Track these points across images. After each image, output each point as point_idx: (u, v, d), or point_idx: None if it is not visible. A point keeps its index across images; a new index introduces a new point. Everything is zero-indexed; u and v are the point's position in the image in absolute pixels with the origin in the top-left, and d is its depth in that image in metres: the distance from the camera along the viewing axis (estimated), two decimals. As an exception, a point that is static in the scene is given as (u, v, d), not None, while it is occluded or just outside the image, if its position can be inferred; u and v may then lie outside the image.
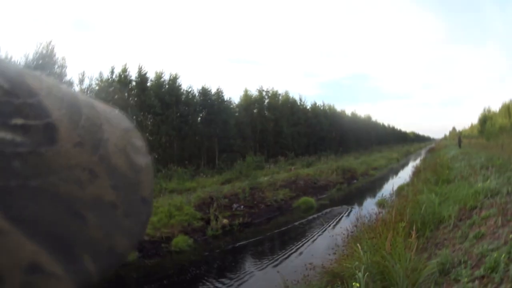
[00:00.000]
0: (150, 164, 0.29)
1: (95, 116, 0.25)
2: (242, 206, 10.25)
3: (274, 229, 8.99)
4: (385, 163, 24.96)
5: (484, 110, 36.51)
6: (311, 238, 7.81)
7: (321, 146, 23.52)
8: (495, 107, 33.68)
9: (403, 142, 59.61)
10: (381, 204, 9.84)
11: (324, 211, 10.57)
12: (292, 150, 19.26)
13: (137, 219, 0.24)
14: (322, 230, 8.34)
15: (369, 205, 10.91)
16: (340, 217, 9.70)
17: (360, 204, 11.78)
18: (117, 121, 0.27)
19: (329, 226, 8.68)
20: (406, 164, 26.66)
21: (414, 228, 4.21)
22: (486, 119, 33.66)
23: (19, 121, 0.19)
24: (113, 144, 0.25)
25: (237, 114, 18.94)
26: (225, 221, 9.02)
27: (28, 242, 0.17)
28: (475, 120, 42.72)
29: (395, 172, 21.81)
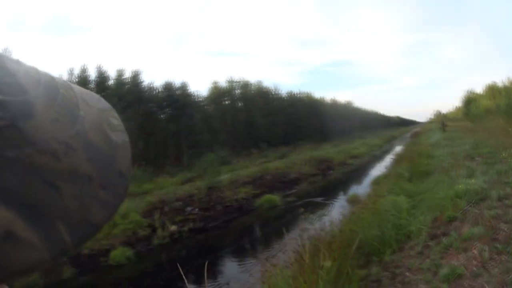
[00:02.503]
0: (127, 141, 0.29)
1: (72, 95, 0.27)
2: (196, 209, 9.22)
3: (227, 236, 8.27)
4: (366, 150, 24.11)
5: (467, 92, 34.56)
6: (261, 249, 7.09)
7: (299, 135, 22.61)
8: (478, 89, 32.14)
9: (387, 127, 59.29)
10: (352, 201, 9.17)
11: (287, 208, 9.63)
12: (267, 141, 18.42)
13: (113, 192, 0.26)
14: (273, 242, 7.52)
15: (340, 202, 10.21)
16: (299, 220, 9.00)
17: (330, 199, 11.00)
18: (93, 101, 0.28)
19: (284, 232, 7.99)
20: (389, 150, 25.96)
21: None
22: (470, 101, 32.22)
23: None
24: (90, 122, 0.27)
25: (206, 107, 17.97)
26: (173, 227, 8.04)
27: (3, 209, 0.18)
28: (459, 102, 41.14)
29: (377, 159, 21.10)
